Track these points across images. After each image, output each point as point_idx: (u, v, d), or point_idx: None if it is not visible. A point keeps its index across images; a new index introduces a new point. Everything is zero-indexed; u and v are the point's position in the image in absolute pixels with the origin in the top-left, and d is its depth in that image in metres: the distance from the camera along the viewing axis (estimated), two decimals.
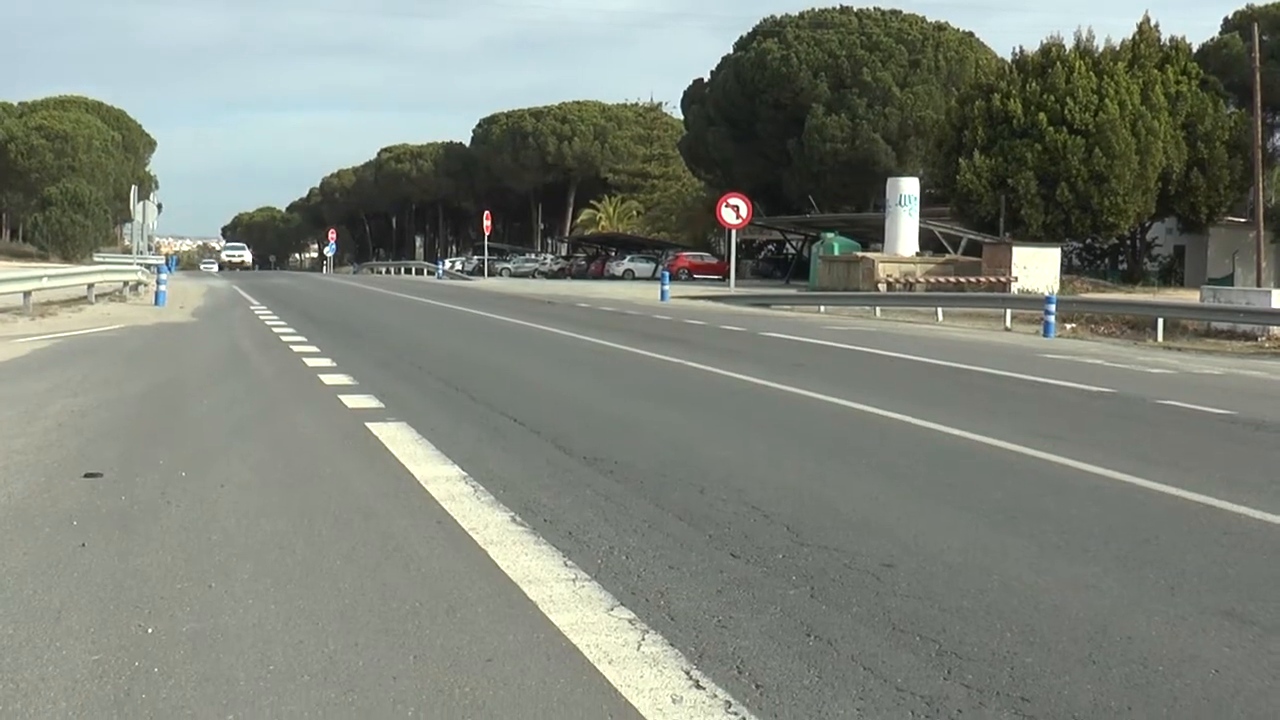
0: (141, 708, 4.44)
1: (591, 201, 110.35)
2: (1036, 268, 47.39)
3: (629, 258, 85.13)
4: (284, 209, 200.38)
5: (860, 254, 54.02)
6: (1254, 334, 28.96)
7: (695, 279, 71.46)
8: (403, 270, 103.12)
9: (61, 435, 10.53)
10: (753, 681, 4.79)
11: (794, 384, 15.63)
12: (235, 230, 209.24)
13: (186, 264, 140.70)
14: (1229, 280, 53.04)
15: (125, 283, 40.79)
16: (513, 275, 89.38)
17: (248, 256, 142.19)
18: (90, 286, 35.53)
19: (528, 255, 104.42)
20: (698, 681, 4.77)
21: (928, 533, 7.33)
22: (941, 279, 47.99)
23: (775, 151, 74.70)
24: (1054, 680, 4.86)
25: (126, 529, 7.12)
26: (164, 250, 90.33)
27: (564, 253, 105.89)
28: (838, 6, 78.43)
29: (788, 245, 79.28)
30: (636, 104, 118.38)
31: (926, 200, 57.12)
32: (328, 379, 15.22)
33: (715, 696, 4.62)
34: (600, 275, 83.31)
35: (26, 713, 4.38)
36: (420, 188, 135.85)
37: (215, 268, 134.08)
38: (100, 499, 7.92)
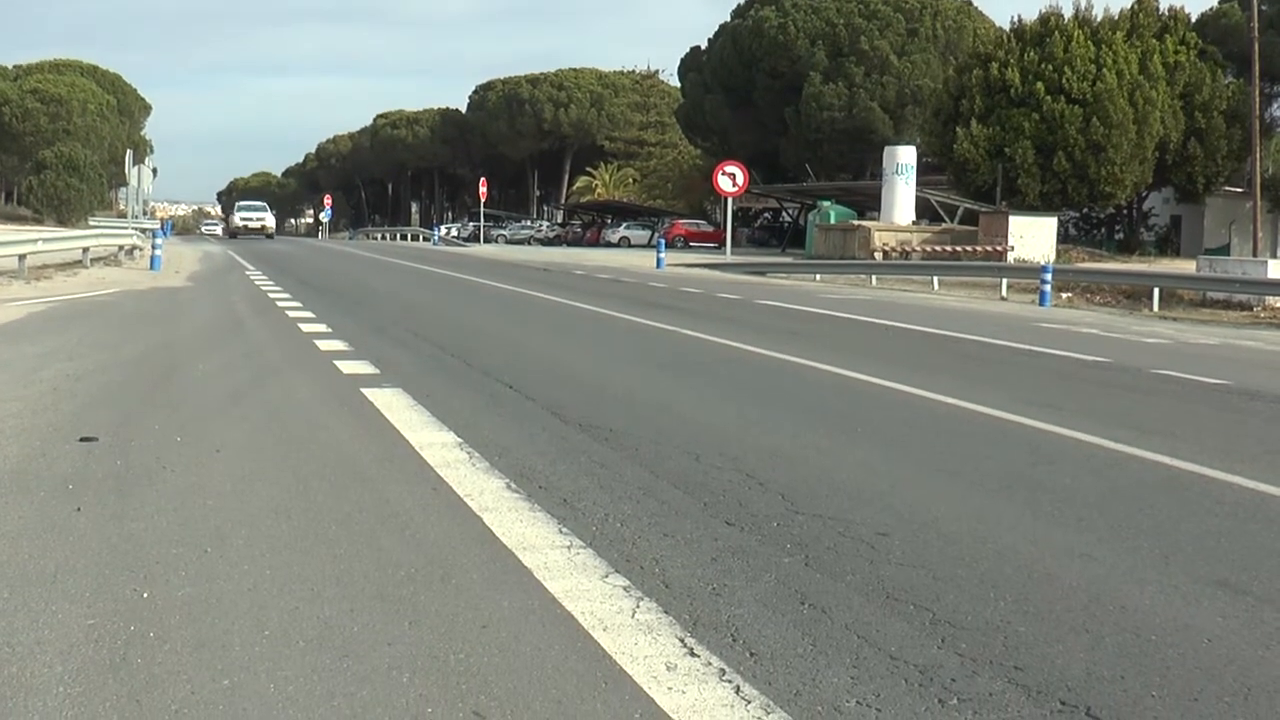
0: (137, 672, 4.45)
1: (588, 169, 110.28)
2: (1033, 237, 47.39)
3: (625, 225, 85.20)
4: (280, 174, 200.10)
5: (856, 222, 54.01)
6: (1250, 304, 28.96)
7: (691, 247, 71.46)
8: (399, 236, 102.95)
9: (57, 399, 10.53)
10: (747, 649, 4.80)
11: (789, 352, 15.63)
12: (230, 195, 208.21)
13: (182, 229, 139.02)
14: (1225, 250, 53.07)
15: (120, 247, 40.74)
16: (509, 242, 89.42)
17: (270, 220, 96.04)
18: (85, 251, 35.42)
19: (524, 222, 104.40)
20: (692, 649, 4.77)
21: (922, 501, 7.34)
22: (937, 248, 47.98)
23: (772, 120, 74.62)
24: (1047, 649, 4.87)
25: (122, 493, 7.12)
26: (159, 215, 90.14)
27: (560, 220, 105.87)
28: None
29: (784, 213, 79.30)
30: (633, 71, 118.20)
31: (923, 169, 57.15)
32: (323, 344, 15.21)
33: (709, 664, 4.63)
34: (596, 242, 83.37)
35: (23, 676, 4.39)
36: (416, 154, 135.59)
37: (219, 230, 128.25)
38: (96, 463, 7.92)
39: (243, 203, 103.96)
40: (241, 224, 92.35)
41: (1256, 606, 5.47)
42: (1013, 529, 6.73)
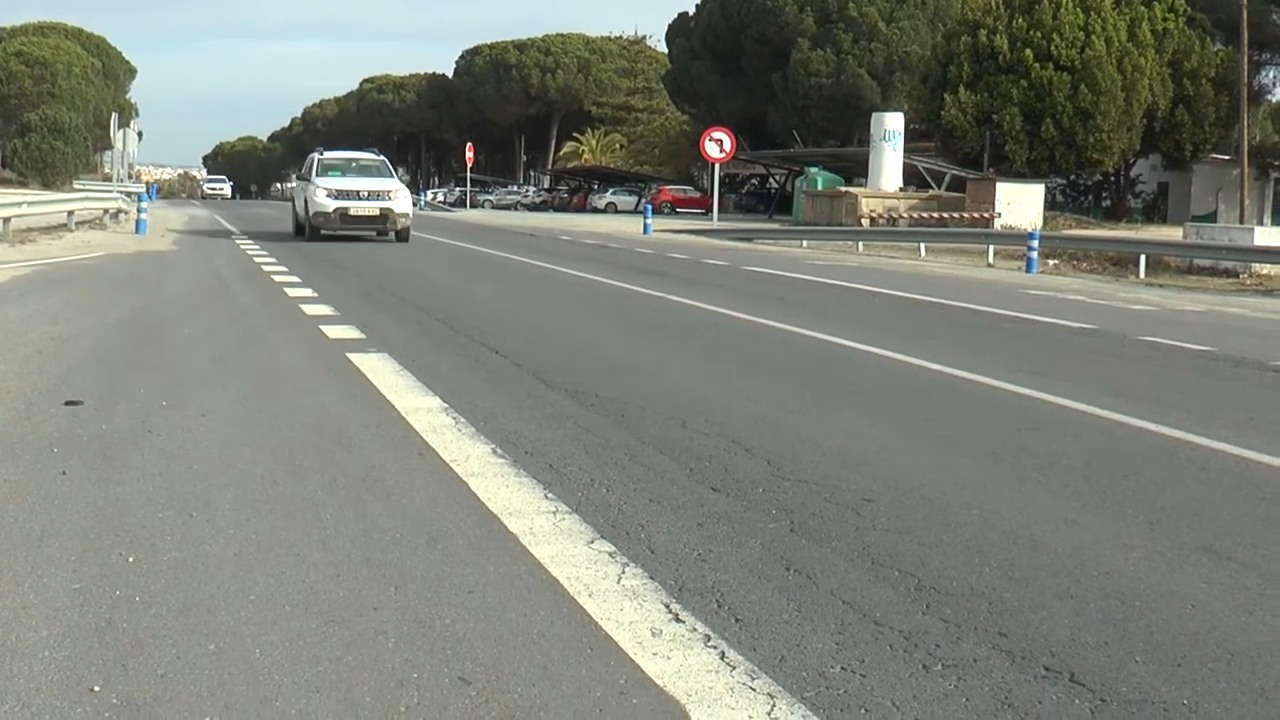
0: (122, 636, 4.44)
1: (574, 134, 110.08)
2: (1020, 204, 47.41)
3: (612, 191, 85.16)
4: (265, 139, 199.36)
5: (844, 189, 53.95)
6: (1236, 271, 29.00)
7: (678, 213, 71.44)
8: None
9: (42, 362, 10.50)
10: (732, 615, 4.81)
11: (776, 318, 15.63)
12: (216, 159, 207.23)
13: (168, 193, 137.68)
14: (1212, 217, 53.17)
15: (106, 210, 40.58)
16: (495, 207, 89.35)
17: (402, 200, 34.10)
18: (71, 214, 35.32)
19: (510, 187, 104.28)
20: (677, 615, 4.78)
21: (908, 468, 7.35)
22: (925, 215, 47.97)
23: (760, 86, 74.45)
24: (1031, 615, 4.88)
25: (107, 457, 7.11)
26: (145, 178, 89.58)
27: (546, 185, 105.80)
28: None
29: (771, 180, 79.24)
30: (621, 37, 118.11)
31: (911, 136, 57.07)
32: (309, 309, 15.19)
33: (695, 630, 4.63)
34: (583, 208, 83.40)
35: (7, 640, 4.38)
36: (403, 119, 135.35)
37: (226, 190, 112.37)
38: (81, 427, 7.90)
39: (333, 155, 38.58)
40: (335, 209, 33.66)
41: (1240, 572, 5.49)
42: (998, 495, 6.74)
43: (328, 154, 37.43)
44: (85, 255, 25.00)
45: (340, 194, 33.22)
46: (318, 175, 34.26)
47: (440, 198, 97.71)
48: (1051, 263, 32.40)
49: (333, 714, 3.90)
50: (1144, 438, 8.50)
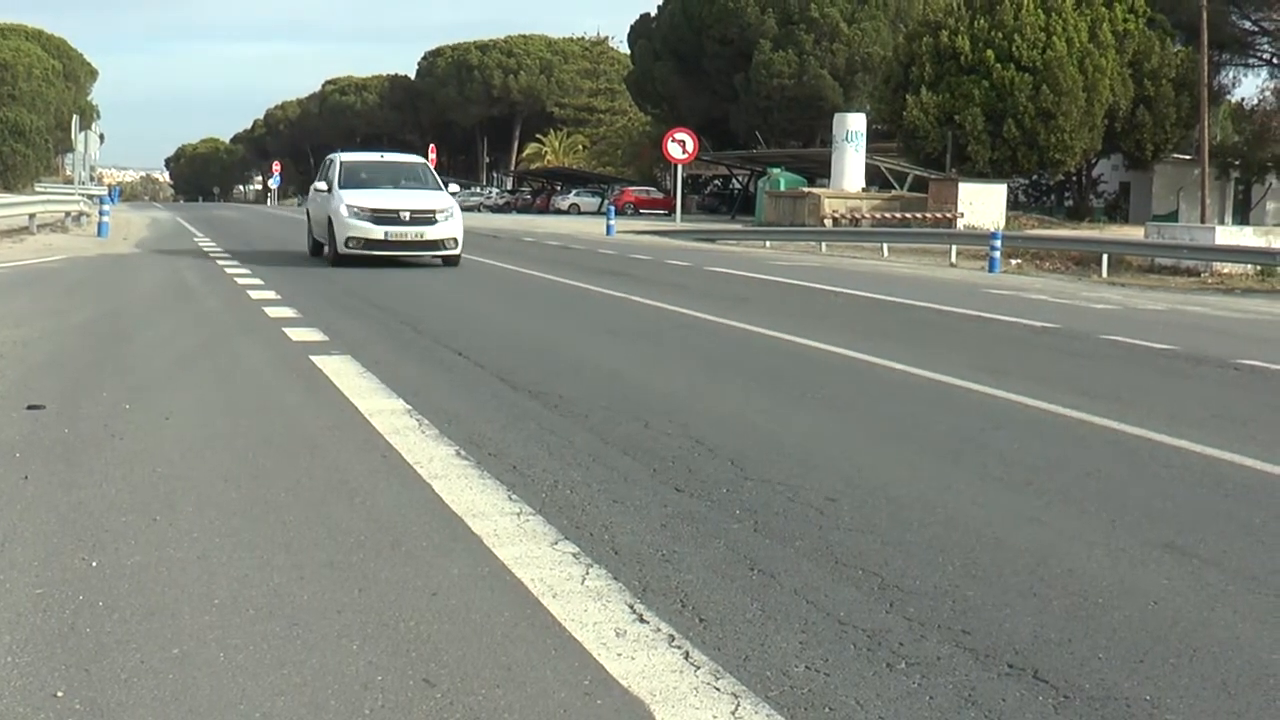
0: (86, 641, 4.43)
1: (537, 135, 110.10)
2: (983, 204, 47.56)
3: (575, 192, 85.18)
4: (228, 140, 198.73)
5: (806, 189, 54.03)
6: (1197, 270, 29.17)
7: (641, 214, 71.41)
8: None
9: (3, 366, 10.44)
10: (696, 615, 4.82)
11: (738, 319, 15.64)
12: (179, 162, 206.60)
13: (129, 195, 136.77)
14: (1173, 217, 53.48)
15: (68, 213, 40.38)
16: None
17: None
18: (32, 217, 35.09)
19: (473, 189, 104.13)
20: (641, 615, 4.79)
21: (871, 467, 7.38)
22: (887, 215, 48.07)
23: (722, 87, 74.58)
24: (995, 613, 4.90)
25: (70, 461, 7.08)
26: (107, 181, 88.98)
27: (509, 187, 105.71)
28: None
29: (734, 181, 79.38)
30: (583, 38, 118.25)
31: (873, 136, 57.25)
32: (272, 311, 15.14)
33: (659, 630, 4.64)
34: (546, 209, 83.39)
35: None
36: (365, 120, 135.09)
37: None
38: (43, 431, 7.86)
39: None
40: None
41: (1201, 568, 5.52)
42: (961, 494, 6.77)
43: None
44: (47, 258, 24.85)
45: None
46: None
47: None
48: (1014, 262, 32.51)
49: (297, 717, 3.90)
50: (1106, 435, 8.54)
